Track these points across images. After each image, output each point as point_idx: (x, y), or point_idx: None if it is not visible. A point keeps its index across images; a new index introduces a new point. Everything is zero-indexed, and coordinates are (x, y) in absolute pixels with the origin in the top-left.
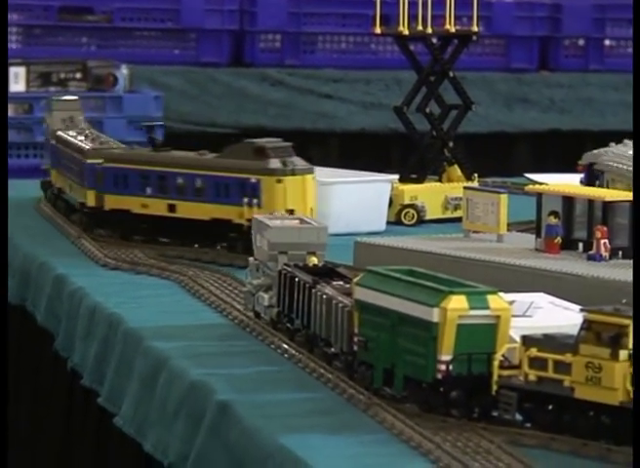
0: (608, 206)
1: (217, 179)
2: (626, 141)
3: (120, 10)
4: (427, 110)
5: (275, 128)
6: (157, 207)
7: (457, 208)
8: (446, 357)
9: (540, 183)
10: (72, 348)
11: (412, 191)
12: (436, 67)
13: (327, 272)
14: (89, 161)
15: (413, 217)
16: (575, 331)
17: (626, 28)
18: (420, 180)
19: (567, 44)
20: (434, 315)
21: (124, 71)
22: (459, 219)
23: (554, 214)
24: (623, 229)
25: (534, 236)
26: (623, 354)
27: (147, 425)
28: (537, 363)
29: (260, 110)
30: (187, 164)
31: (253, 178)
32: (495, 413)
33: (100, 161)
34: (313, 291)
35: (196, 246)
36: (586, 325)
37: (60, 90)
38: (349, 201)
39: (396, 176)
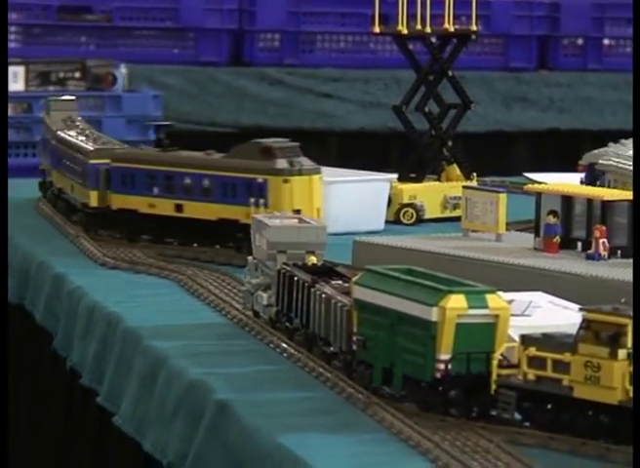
0: (607, 205)
1: (224, 179)
2: (624, 141)
3: (119, 9)
4: (426, 109)
5: (274, 127)
6: (164, 207)
7: (455, 207)
8: (445, 356)
9: (539, 183)
10: (71, 347)
11: (411, 190)
12: (435, 66)
13: (326, 271)
14: (92, 161)
15: (412, 217)
16: (574, 330)
17: (625, 27)
18: (418, 180)
19: (566, 43)
20: (433, 314)
21: (123, 70)
22: (457, 219)
23: (553, 213)
24: (622, 228)
25: (533, 235)
26: (622, 353)
27: (146, 424)
28: (535, 362)
29: (259, 109)
30: (195, 164)
31: (260, 178)
32: (493, 412)
33: (102, 161)
34: (312, 290)
35: (195, 245)
36: (585, 324)
37: (59, 89)
38: (348, 200)
39: (395, 176)
